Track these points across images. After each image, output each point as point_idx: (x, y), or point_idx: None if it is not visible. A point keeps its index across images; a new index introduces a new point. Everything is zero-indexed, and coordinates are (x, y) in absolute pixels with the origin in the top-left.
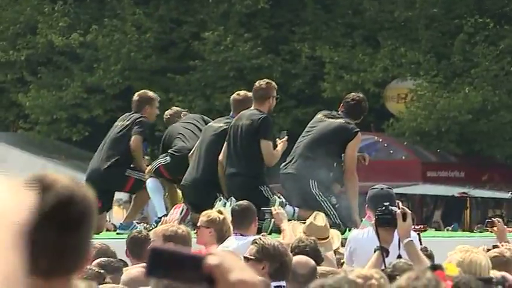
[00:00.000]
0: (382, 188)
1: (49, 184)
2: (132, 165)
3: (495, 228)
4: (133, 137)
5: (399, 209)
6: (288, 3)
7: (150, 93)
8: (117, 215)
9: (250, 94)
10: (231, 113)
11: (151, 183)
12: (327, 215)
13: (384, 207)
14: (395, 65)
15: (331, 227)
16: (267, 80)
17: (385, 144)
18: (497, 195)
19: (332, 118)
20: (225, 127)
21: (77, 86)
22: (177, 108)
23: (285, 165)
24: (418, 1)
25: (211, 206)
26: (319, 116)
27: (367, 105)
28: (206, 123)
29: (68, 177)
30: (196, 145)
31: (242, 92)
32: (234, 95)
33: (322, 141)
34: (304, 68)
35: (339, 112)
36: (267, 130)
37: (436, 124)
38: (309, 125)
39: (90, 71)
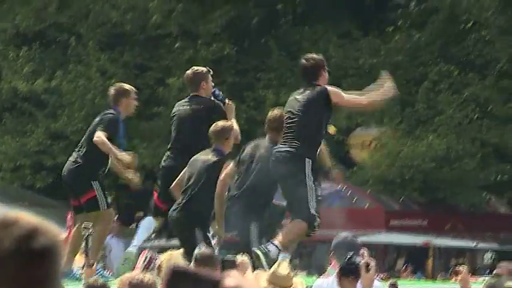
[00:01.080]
0: (346, 237)
1: (12, 220)
2: (100, 180)
3: (459, 277)
4: (96, 133)
5: (364, 258)
6: (253, 50)
7: (126, 86)
8: (79, 262)
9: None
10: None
11: (147, 222)
12: (306, 202)
13: (348, 258)
14: (359, 112)
15: (304, 218)
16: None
17: (349, 192)
18: (460, 244)
19: (302, 94)
20: (215, 159)
21: (41, 132)
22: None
23: (281, 144)
24: (383, 48)
25: (195, 243)
26: (291, 98)
27: (314, 60)
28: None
29: (30, 214)
30: (181, 177)
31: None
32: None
33: (309, 120)
34: None
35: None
36: None
37: (400, 172)
38: (287, 109)
39: (55, 117)
